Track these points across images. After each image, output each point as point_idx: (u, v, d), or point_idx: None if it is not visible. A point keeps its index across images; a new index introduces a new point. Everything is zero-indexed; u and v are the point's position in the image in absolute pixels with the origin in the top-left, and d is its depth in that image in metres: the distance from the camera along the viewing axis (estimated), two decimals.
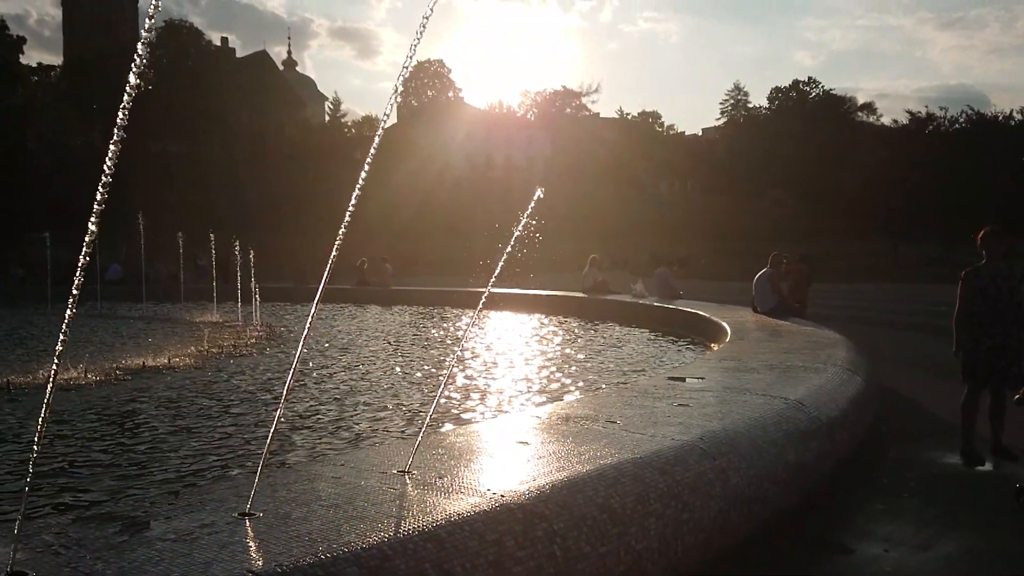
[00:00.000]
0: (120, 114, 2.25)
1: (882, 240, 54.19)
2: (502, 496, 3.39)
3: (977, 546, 5.16)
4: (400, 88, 3.18)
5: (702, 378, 6.69)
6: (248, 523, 2.99)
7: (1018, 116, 62.70)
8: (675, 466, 4.19)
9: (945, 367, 8.03)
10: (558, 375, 10.73)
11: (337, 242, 3.03)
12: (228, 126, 66.75)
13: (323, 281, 3.07)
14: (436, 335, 16.49)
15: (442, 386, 3.96)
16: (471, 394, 9.35)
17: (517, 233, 3.74)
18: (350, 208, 2.96)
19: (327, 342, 14.81)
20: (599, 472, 3.82)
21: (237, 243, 24.39)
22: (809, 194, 65.98)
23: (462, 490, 3.46)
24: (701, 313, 14.21)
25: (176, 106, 61.51)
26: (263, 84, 79.88)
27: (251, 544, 2.78)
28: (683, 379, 6.69)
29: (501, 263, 3.75)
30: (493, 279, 3.80)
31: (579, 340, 15.27)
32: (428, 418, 3.78)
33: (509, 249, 3.84)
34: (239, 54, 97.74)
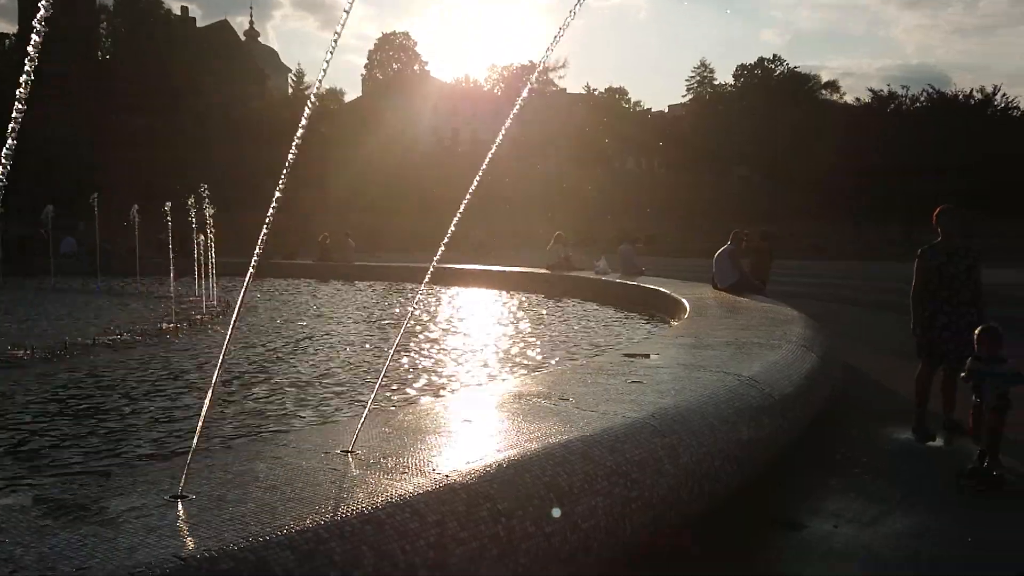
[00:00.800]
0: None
1: (846, 219, 54.69)
2: (446, 476, 3.32)
3: (925, 522, 5.20)
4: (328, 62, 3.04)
5: (658, 355, 6.67)
6: (180, 506, 2.90)
7: (978, 95, 63.49)
8: (625, 444, 4.16)
9: (907, 345, 8.11)
10: (513, 352, 10.71)
11: (268, 216, 2.91)
12: (193, 98, 65.54)
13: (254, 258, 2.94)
14: (386, 312, 16.38)
15: (386, 365, 3.87)
16: (422, 372, 9.29)
17: (462, 206, 3.65)
18: (280, 184, 2.82)
19: (280, 319, 14.68)
20: (547, 451, 3.77)
21: (193, 217, 23.97)
22: (774, 172, 66.39)
23: (405, 470, 3.39)
24: (662, 290, 14.23)
25: (137, 78, 60.33)
26: (226, 55, 78.57)
27: (180, 527, 2.70)
28: (639, 356, 6.66)
29: (447, 237, 3.63)
30: (440, 252, 3.69)
31: (538, 316, 15.27)
32: (373, 396, 3.69)
33: (456, 220, 3.72)
34: (200, 24, 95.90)
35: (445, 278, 20.83)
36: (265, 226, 2.95)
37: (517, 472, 3.52)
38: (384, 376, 4.36)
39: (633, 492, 3.98)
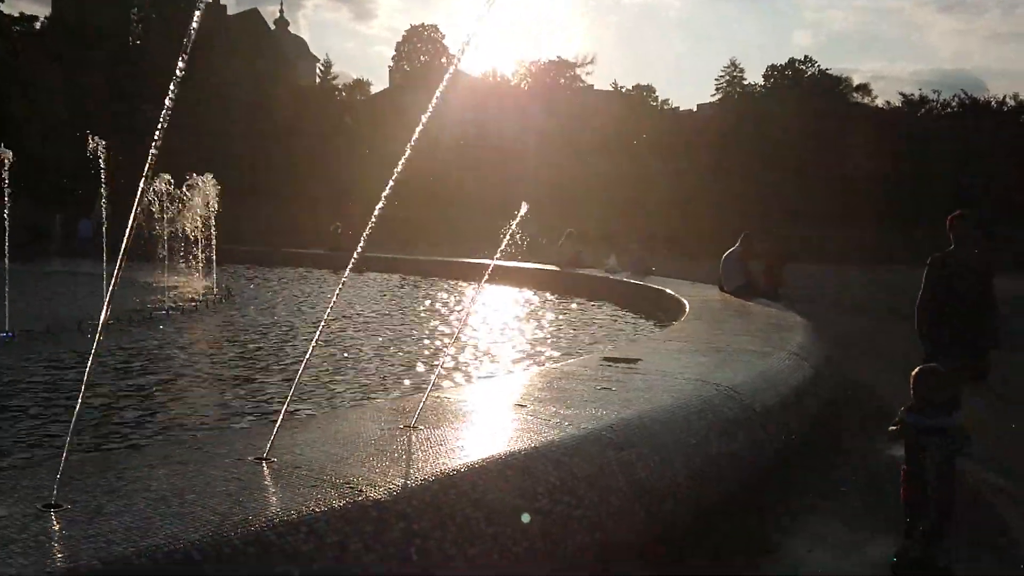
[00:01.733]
0: None
1: (873, 223, 53.83)
2: (359, 491, 3.06)
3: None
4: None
5: (639, 359, 6.36)
6: (52, 516, 2.65)
7: (1011, 102, 62.15)
8: (573, 457, 3.87)
9: (914, 357, 7.75)
10: (494, 351, 10.38)
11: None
12: (218, 86, 65.66)
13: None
14: (370, 306, 16.19)
15: (304, 362, 3.60)
16: (371, 371, 8.97)
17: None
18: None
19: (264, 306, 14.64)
20: (481, 465, 3.50)
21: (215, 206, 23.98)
22: (802, 174, 65.52)
23: (316, 482, 3.12)
24: (666, 290, 13.88)
25: (169, 69, 60.45)
26: (254, 44, 78.76)
27: (39, 541, 2.44)
28: (619, 360, 6.36)
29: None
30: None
31: (533, 313, 15.04)
32: (288, 400, 3.42)
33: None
34: (231, 12, 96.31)
35: (452, 272, 20.64)
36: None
37: (442, 488, 3.24)
38: (300, 377, 4.08)
39: (577, 511, 3.69)
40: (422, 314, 14.92)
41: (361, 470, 3.30)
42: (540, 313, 15.10)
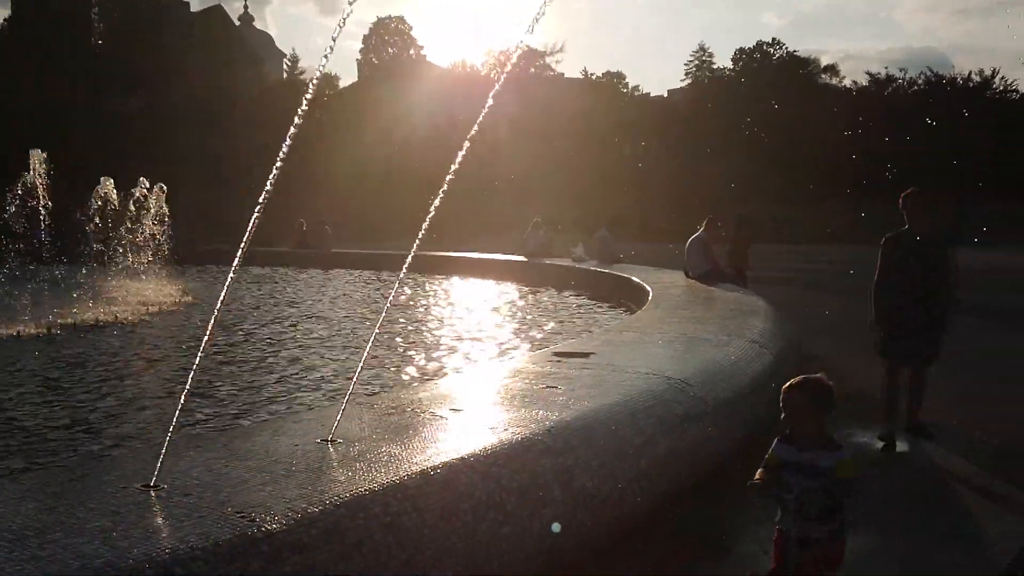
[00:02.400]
0: None
1: (845, 202, 53.90)
2: (252, 520, 2.73)
3: (872, 547, 4.62)
4: None
5: (591, 353, 6.08)
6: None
7: (977, 78, 62.33)
8: (504, 467, 3.58)
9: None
10: (439, 351, 9.87)
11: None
12: (183, 82, 64.68)
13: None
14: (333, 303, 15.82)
15: (194, 366, 3.27)
16: (289, 376, 8.40)
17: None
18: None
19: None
20: (396, 483, 3.19)
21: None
22: (774, 156, 65.57)
23: (205, 512, 2.79)
24: (633, 279, 13.59)
25: (129, 63, 59.34)
26: (219, 40, 77.55)
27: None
28: (571, 355, 6.08)
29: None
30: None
31: (493, 306, 14.73)
32: (175, 420, 3.09)
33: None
34: (194, 9, 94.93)
35: (420, 266, 20.25)
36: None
37: (349, 512, 2.94)
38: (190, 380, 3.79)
39: (505, 527, 3.41)
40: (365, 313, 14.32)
41: (260, 495, 2.98)
42: (500, 306, 14.76)
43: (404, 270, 4.53)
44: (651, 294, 10.78)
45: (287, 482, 3.14)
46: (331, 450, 3.59)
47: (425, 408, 4.36)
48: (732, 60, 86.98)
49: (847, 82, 75.62)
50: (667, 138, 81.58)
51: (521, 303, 15.11)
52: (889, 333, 6.76)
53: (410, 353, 9.59)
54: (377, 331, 8.32)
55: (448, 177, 3.75)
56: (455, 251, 21.63)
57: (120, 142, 56.27)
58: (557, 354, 6.17)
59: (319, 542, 2.78)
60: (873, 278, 7.01)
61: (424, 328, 11.79)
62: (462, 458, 3.52)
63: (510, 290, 17.30)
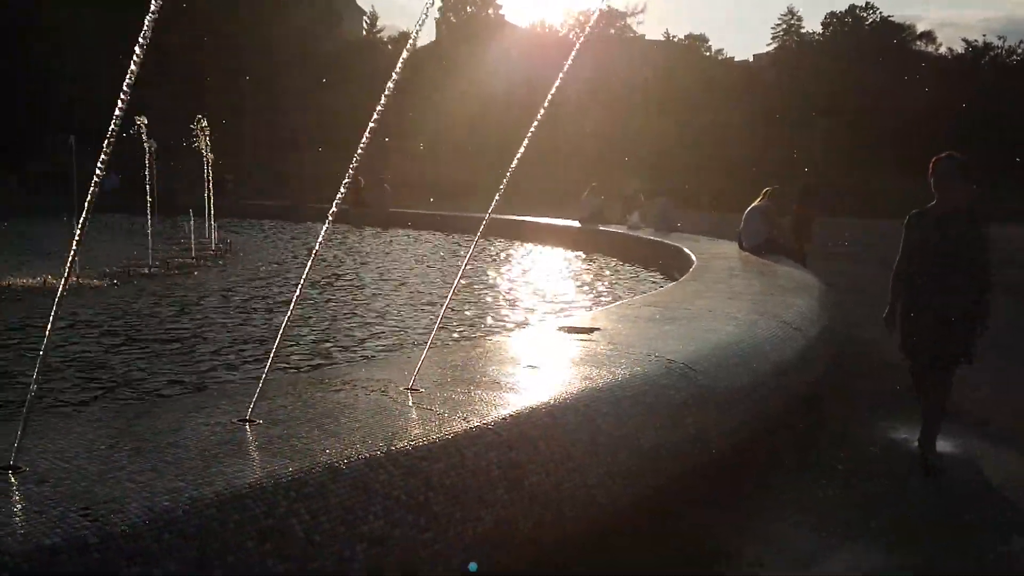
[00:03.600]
0: None
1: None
2: (96, 519, 2.33)
3: (881, 564, 4.05)
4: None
5: (597, 329, 5.55)
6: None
7: None
8: (435, 463, 3.11)
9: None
10: (448, 317, 9.30)
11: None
12: (260, 35, 65.04)
13: None
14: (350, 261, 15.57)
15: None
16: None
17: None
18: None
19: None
20: (294, 477, 2.74)
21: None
22: (859, 125, 63.13)
23: (56, 504, 2.41)
24: (683, 248, 12.91)
25: (211, 21, 59.84)
26: None
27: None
28: (577, 330, 5.56)
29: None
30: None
31: (524, 272, 14.30)
32: (31, 391, 2.70)
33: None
34: None
35: (470, 228, 19.86)
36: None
37: (221, 513, 2.50)
38: None
39: (426, 534, 2.94)
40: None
41: (126, 486, 2.57)
42: (542, 271, 14.27)
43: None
44: (694, 265, 10.14)
45: (163, 474, 2.73)
46: (245, 434, 3.17)
47: (378, 385, 3.90)
48: (822, 25, 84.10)
49: (943, 50, 72.32)
50: (750, 104, 79.29)
51: (558, 269, 14.65)
52: (907, 331, 5.63)
53: (427, 321, 9.23)
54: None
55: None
56: (514, 215, 21.16)
57: (181, 93, 56.52)
58: (562, 328, 5.65)
59: (171, 551, 2.35)
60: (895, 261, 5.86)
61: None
62: (387, 452, 3.04)
63: (555, 255, 16.85)
